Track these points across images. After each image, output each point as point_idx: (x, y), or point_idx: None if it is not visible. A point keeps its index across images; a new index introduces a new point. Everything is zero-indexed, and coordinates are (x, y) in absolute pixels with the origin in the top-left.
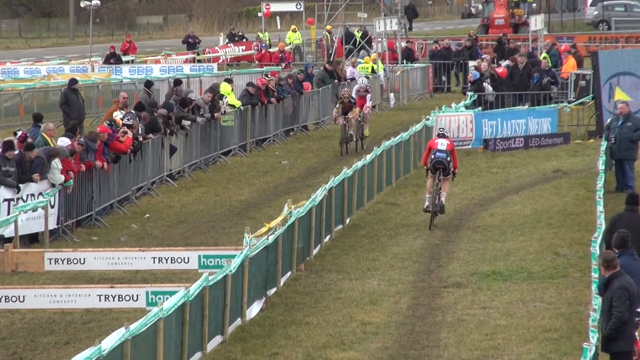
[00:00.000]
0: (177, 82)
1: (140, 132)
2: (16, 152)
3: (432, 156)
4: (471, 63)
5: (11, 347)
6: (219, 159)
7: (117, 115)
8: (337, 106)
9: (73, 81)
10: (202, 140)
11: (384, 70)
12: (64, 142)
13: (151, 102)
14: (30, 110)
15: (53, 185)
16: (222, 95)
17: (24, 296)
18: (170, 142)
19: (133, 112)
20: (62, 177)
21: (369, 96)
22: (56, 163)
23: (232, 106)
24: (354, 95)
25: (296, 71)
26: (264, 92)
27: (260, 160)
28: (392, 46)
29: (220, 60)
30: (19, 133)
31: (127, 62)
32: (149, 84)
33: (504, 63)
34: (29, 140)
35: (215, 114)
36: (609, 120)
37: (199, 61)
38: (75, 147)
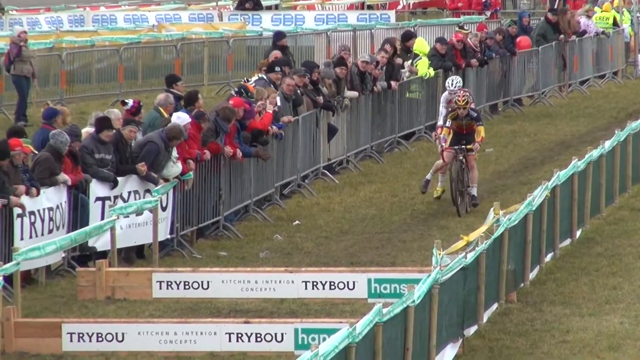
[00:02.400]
0: (279, 35)
1: (280, 105)
2: (112, 132)
3: None
4: None
5: None
6: (398, 144)
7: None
8: (443, 123)
9: None
10: (374, 118)
11: (631, 22)
12: (181, 118)
13: (286, 60)
14: (132, 74)
15: (166, 180)
16: (411, 53)
17: (123, 334)
18: (328, 120)
19: (264, 77)
20: (180, 168)
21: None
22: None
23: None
24: (444, 103)
25: (507, 23)
26: (461, 51)
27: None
28: None
29: (399, 7)
30: (130, 102)
31: (269, 7)
32: (279, 36)
33: None
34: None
35: (392, 83)
36: None
37: (369, 7)
38: (202, 126)
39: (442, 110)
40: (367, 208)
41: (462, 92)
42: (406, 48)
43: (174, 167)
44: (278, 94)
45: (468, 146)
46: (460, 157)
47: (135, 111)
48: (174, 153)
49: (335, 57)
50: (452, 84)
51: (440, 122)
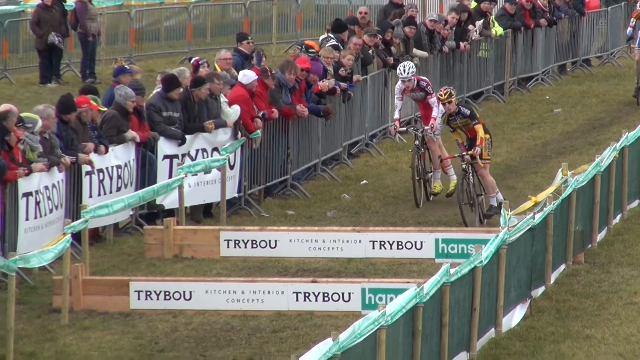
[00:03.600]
0: None
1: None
2: (181, 89)
3: None
4: None
5: None
6: (466, 104)
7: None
8: (399, 116)
9: None
10: (442, 78)
11: None
12: (247, 76)
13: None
14: (201, 32)
15: (235, 137)
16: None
17: (190, 292)
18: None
19: (332, 36)
20: (236, 109)
21: (431, 100)
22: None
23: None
24: (400, 102)
25: None
26: (530, 11)
27: (524, 107)
28: None
29: None
30: (193, 60)
31: None
32: None
33: None
34: (202, 70)
35: (462, 43)
36: None
37: None
38: (268, 83)
39: (397, 103)
40: None
41: (442, 91)
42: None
43: (231, 110)
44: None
45: (469, 152)
46: (464, 166)
47: (197, 66)
48: (223, 98)
49: (404, 17)
50: (403, 71)
51: (396, 115)
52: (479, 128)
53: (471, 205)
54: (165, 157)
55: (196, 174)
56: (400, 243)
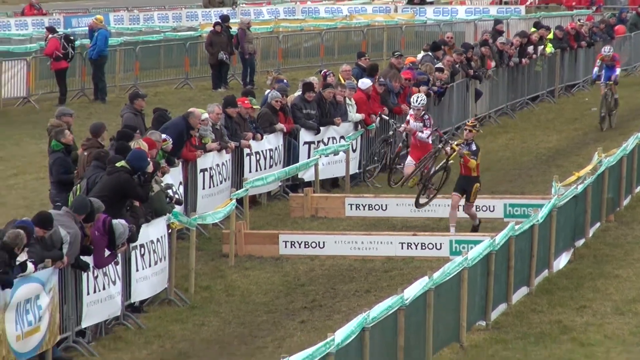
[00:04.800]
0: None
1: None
2: (315, 94)
3: None
4: None
5: (310, 293)
6: (527, 104)
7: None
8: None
9: None
10: (509, 85)
11: None
12: (364, 83)
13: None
14: (330, 51)
15: (356, 128)
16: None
17: (324, 242)
18: (475, 86)
19: (430, 54)
20: (360, 115)
21: (425, 133)
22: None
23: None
24: (415, 127)
25: (608, 15)
26: (574, 36)
27: (569, 107)
28: None
29: (527, 3)
30: (323, 72)
31: (432, 2)
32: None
33: None
34: (329, 79)
35: (523, 60)
36: None
37: (505, 3)
38: (377, 89)
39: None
40: (503, 151)
41: (471, 120)
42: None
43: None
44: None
45: (454, 146)
46: (447, 163)
47: (325, 77)
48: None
49: (480, 40)
50: (416, 101)
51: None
52: (474, 163)
53: (424, 185)
54: (305, 143)
55: (327, 156)
56: (478, 207)
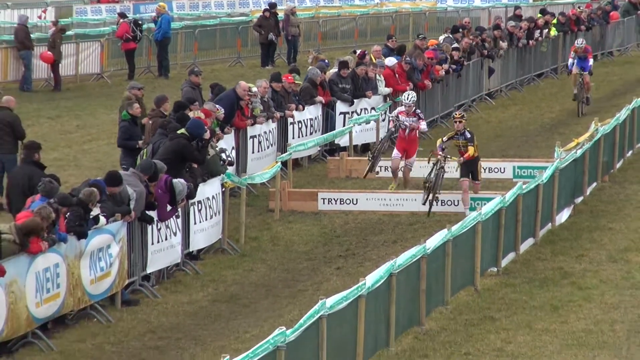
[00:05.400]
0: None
1: (463, 53)
2: (349, 70)
3: None
4: None
5: (345, 243)
6: (533, 80)
7: (441, 37)
8: (441, 145)
9: None
10: (518, 63)
11: None
12: (391, 60)
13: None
14: (364, 34)
15: (385, 100)
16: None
17: (357, 199)
18: (488, 64)
19: (450, 36)
20: (388, 89)
21: (422, 124)
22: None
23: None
24: (405, 122)
25: (605, 3)
26: (575, 21)
27: (570, 83)
28: None
29: None
30: (358, 52)
31: None
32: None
33: None
34: (366, 58)
35: (530, 41)
36: None
37: None
38: (403, 67)
39: (391, 126)
40: (512, 120)
41: (459, 112)
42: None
43: (384, 89)
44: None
45: (453, 158)
46: (442, 164)
47: (362, 56)
48: (379, 76)
49: (493, 24)
50: (407, 98)
51: (391, 127)
52: (472, 149)
53: (428, 190)
54: (341, 113)
55: (360, 124)
56: (490, 168)
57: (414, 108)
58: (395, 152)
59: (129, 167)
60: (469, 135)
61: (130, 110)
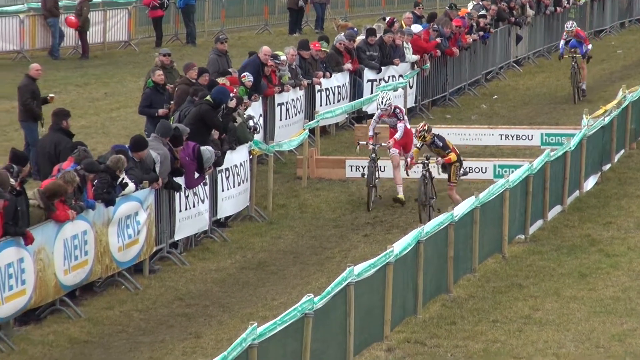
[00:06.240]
0: None
1: (490, 20)
2: (377, 38)
3: None
4: None
5: (372, 210)
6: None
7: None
8: (373, 133)
9: None
10: (546, 30)
11: None
12: (417, 27)
13: None
14: (391, 1)
15: (412, 68)
16: None
17: (384, 166)
18: (516, 31)
19: (481, 2)
20: (416, 57)
21: (399, 124)
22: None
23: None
24: (375, 123)
25: None
26: None
27: (597, 49)
28: None
29: None
30: (387, 19)
31: None
32: None
33: None
34: (396, 25)
35: (558, 8)
36: None
37: None
38: (431, 34)
39: (373, 123)
40: (540, 88)
41: (420, 127)
42: None
43: (411, 56)
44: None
45: (430, 161)
46: (424, 172)
47: (391, 24)
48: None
49: None
50: (382, 102)
51: (370, 133)
52: (453, 156)
53: (424, 206)
54: (368, 80)
55: (388, 92)
56: (518, 136)
57: (392, 109)
58: (393, 150)
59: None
60: (440, 144)
61: (153, 77)
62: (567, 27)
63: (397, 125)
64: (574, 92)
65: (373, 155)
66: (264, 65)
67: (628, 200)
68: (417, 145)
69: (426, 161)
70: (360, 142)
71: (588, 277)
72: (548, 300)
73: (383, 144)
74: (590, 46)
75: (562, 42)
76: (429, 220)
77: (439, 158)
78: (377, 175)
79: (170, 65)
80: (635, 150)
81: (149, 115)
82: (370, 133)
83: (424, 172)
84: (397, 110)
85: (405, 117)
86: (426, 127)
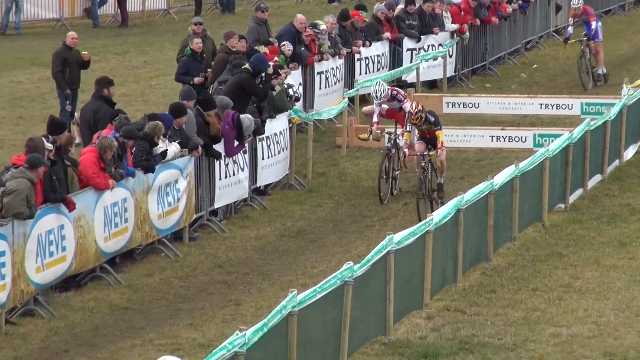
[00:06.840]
0: None
1: None
2: (416, 7)
3: None
4: None
5: (412, 179)
6: (601, 17)
7: None
8: (377, 119)
9: None
10: (586, 0)
11: None
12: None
13: None
14: None
15: (452, 37)
16: None
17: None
18: (556, 1)
19: None
20: (455, 26)
21: (404, 105)
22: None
23: None
24: (378, 109)
25: None
26: None
27: (637, 19)
28: None
29: None
30: None
31: None
32: None
33: None
34: None
35: None
36: None
37: None
38: (470, 3)
39: (375, 108)
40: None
41: (415, 108)
42: None
43: (450, 25)
44: None
45: (431, 152)
46: (423, 164)
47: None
48: (445, 13)
49: None
50: (376, 97)
51: (375, 119)
52: (440, 133)
53: (426, 198)
54: (408, 49)
55: (427, 61)
56: (558, 105)
57: (389, 93)
58: (418, 145)
59: None
60: (432, 119)
61: (191, 44)
62: (573, 5)
63: (403, 107)
64: (581, 79)
65: (388, 144)
66: (300, 33)
67: None
68: (407, 129)
69: (425, 153)
70: (363, 136)
71: (628, 245)
72: (588, 269)
73: (386, 133)
74: (594, 23)
75: (570, 28)
76: (432, 210)
77: (439, 150)
78: (394, 165)
79: (204, 34)
80: None
81: (186, 82)
82: (375, 119)
83: (424, 164)
84: (395, 93)
85: (405, 93)
86: (420, 107)
